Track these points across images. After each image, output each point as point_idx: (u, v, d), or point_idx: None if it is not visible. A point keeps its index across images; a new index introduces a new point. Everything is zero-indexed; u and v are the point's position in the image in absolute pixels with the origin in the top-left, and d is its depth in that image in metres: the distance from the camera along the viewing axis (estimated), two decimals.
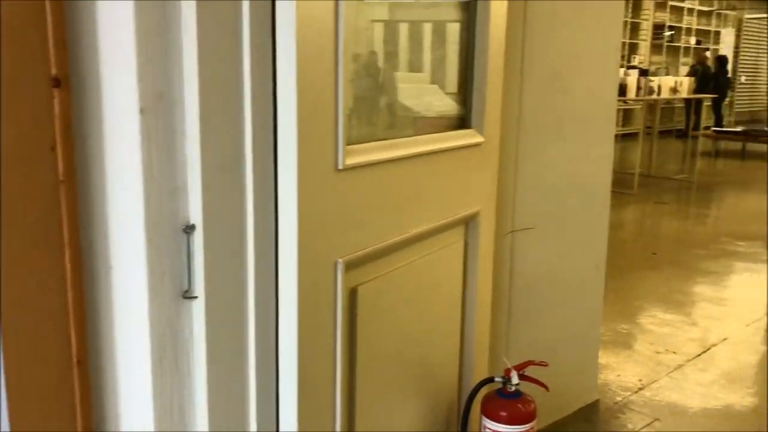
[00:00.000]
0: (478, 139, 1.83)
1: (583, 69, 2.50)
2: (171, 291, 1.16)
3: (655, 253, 5.18)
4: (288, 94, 1.19)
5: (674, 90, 7.99)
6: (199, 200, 1.15)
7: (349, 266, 1.38)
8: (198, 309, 1.19)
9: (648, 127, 11.18)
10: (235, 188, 1.21)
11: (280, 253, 1.27)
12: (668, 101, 10.29)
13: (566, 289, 2.56)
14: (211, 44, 1.12)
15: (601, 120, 2.61)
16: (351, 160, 1.34)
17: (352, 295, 1.42)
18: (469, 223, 1.89)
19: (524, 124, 2.26)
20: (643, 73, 8.79)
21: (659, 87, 7.71)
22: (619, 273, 4.62)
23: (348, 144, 1.34)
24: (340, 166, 1.31)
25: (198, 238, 1.16)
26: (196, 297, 1.18)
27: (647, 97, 7.61)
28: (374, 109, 1.66)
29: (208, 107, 1.13)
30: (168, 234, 1.14)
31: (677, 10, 14.63)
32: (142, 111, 1.07)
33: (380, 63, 1.69)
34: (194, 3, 1.09)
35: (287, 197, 1.23)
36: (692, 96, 8.65)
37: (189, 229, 1.16)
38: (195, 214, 1.16)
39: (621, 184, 8.16)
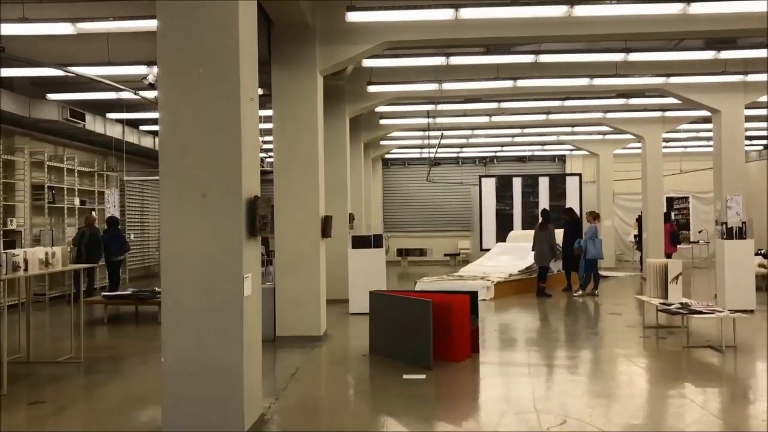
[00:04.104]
0: None
1: None
2: None
3: None
4: None
5: (46, 263, 7.00)
6: None
7: None
8: None
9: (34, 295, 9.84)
10: None
11: None
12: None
13: None
14: None
15: None
16: None
17: None
18: None
19: None
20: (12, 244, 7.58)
21: (26, 261, 6.61)
22: None
23: None
24: None
25: None
26: None
27: (11, 276, 6.40)
28: None
29: None
30: None
31: (57, 171, 13.98)
32: None
33: None
34: None
35: None
36: (69, 268, 7.82)
37: None
38: None
39: None
